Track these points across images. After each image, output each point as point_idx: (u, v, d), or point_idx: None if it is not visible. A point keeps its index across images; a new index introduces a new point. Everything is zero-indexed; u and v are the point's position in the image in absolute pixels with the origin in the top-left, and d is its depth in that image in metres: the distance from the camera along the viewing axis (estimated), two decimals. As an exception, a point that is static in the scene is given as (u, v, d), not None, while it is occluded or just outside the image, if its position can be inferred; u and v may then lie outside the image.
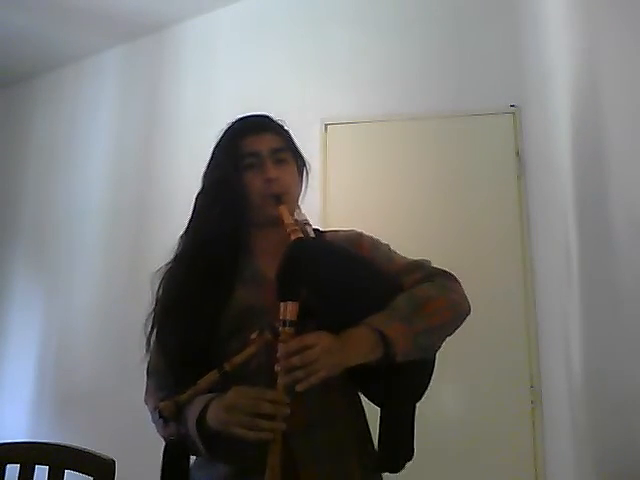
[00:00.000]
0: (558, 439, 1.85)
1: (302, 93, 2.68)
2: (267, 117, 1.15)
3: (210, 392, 0.92)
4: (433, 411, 1.89)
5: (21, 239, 3.54)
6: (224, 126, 1.14)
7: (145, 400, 1.06)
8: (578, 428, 1.44)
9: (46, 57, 3.46)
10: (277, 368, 0.87)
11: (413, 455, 1.00)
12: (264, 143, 1.08)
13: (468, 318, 1.02)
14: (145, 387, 1.07)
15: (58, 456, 1.37)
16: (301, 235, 0.98)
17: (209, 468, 0.99)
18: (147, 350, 1.06)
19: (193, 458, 0.99)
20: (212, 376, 0.91)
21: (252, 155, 1.07)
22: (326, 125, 2.54)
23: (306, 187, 1.16)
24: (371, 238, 1.13)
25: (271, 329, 0.90)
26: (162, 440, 0.98)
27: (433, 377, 1.01)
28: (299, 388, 0.85)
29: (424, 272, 1.04)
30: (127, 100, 3.26)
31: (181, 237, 1.10)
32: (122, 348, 2.88)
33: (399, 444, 1.00)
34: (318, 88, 2.67)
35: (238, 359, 0.90)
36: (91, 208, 3.21)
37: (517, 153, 2.26)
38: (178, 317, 1.00)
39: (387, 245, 1.12)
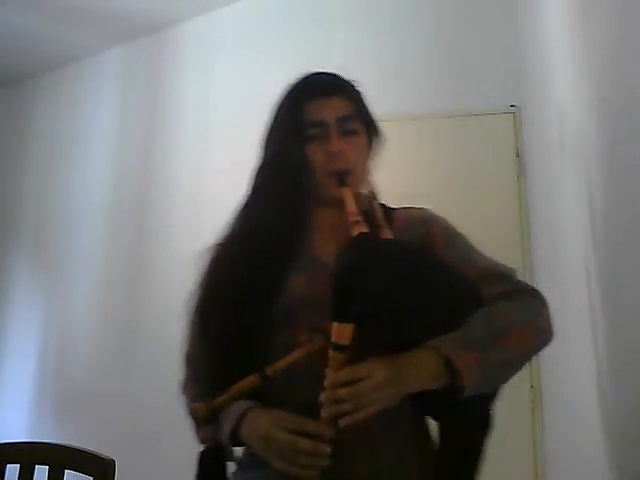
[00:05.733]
0: (558, 439, 1.85)
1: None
2: (336, 76, 1.00)
3: (249, 396, 0.84)
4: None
5: (21, 239, 3.54)
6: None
7: (182, 391, 0.97)
8: (578, 428, 1.44)
9: (46, 57, 3.46)
10: (322, 398, 0.75)
11: None
12: (331, 110, 0.95)
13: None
14: (182, 377, 0.99)
15: (58, 456, 1.37)
16: (364, 230, 0.86)
17: (249, 472, 0.91)
18: (187, 335, 0.96)
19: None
20: (251, 381, 0.82)
21: (316, 125, 0.94)
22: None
23: (376, 158, 1.02)
24: (445, 229, 0.99)
25: (323, 334, 0.79)
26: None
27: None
28: (342, 423, 0.73)
29: (508, 286, 0.89)
30: (127, 100, 3.26)
31: (236, 213, 0.99)
32: (122, 348, 2.89)
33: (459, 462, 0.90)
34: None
35: (282, 364, 0.81)
36: (91, 208, 3.21)
37: (517, 153, 2.25)
38: (226, 301, 0.90)
39: (463, 238, 0.98)
